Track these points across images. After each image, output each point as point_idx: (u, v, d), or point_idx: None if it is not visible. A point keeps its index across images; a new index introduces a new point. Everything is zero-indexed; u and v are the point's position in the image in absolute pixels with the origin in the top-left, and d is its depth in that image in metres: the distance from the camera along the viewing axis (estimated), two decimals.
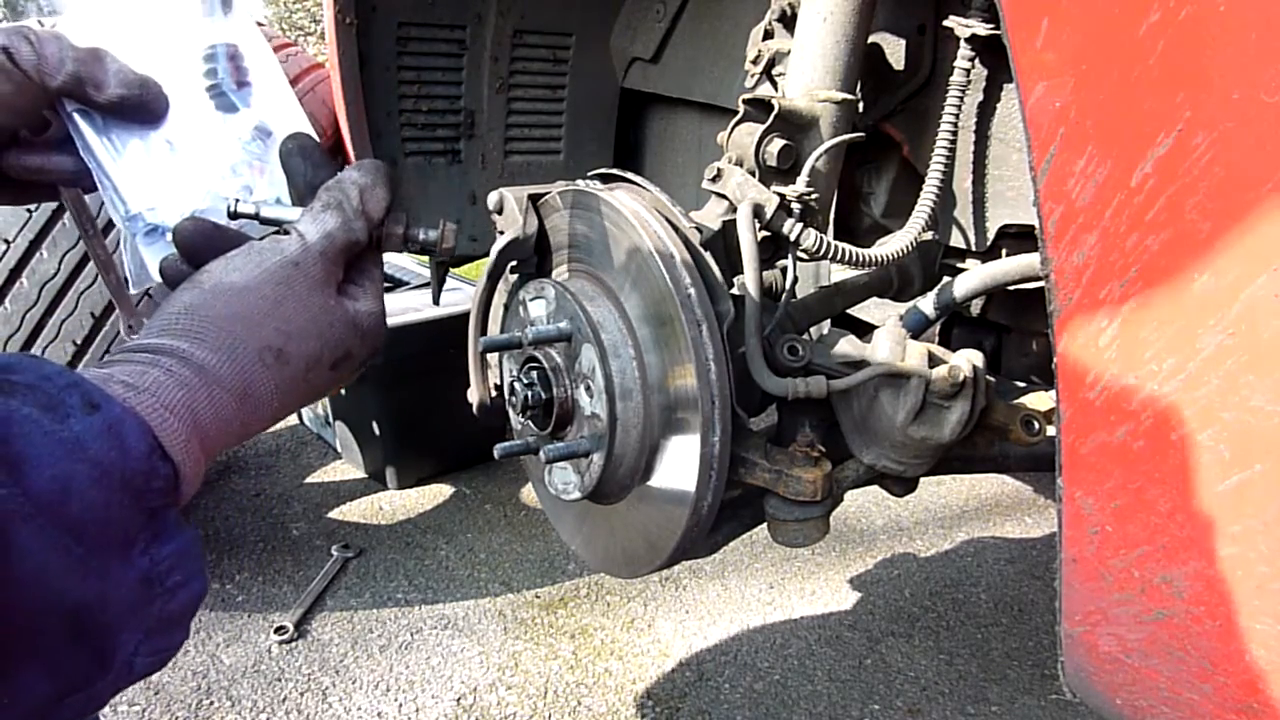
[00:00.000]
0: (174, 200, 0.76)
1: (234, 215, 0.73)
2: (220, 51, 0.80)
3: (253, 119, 0.81)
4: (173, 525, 0.53)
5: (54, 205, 1.61)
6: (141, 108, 0.74)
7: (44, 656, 0.45)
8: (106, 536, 0.48)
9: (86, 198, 0.84)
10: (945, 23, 1.04)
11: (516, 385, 0.97)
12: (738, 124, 1.02)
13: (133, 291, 0.80)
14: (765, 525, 1.04)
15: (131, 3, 0.79)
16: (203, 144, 0.78)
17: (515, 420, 1.06)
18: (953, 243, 1.21)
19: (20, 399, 0.47)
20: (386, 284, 2.91)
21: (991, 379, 0.96)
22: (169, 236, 0.75)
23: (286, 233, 0.67)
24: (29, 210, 1.62)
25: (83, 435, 0.47)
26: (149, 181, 0.76)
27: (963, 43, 1.03)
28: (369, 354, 0.70)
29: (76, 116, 0.73)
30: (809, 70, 1.04)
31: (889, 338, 0.94)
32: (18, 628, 0.43)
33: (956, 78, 1.05)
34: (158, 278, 0.75)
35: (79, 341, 1.76)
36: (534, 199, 1.01)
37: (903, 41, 1.17)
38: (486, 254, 1.06)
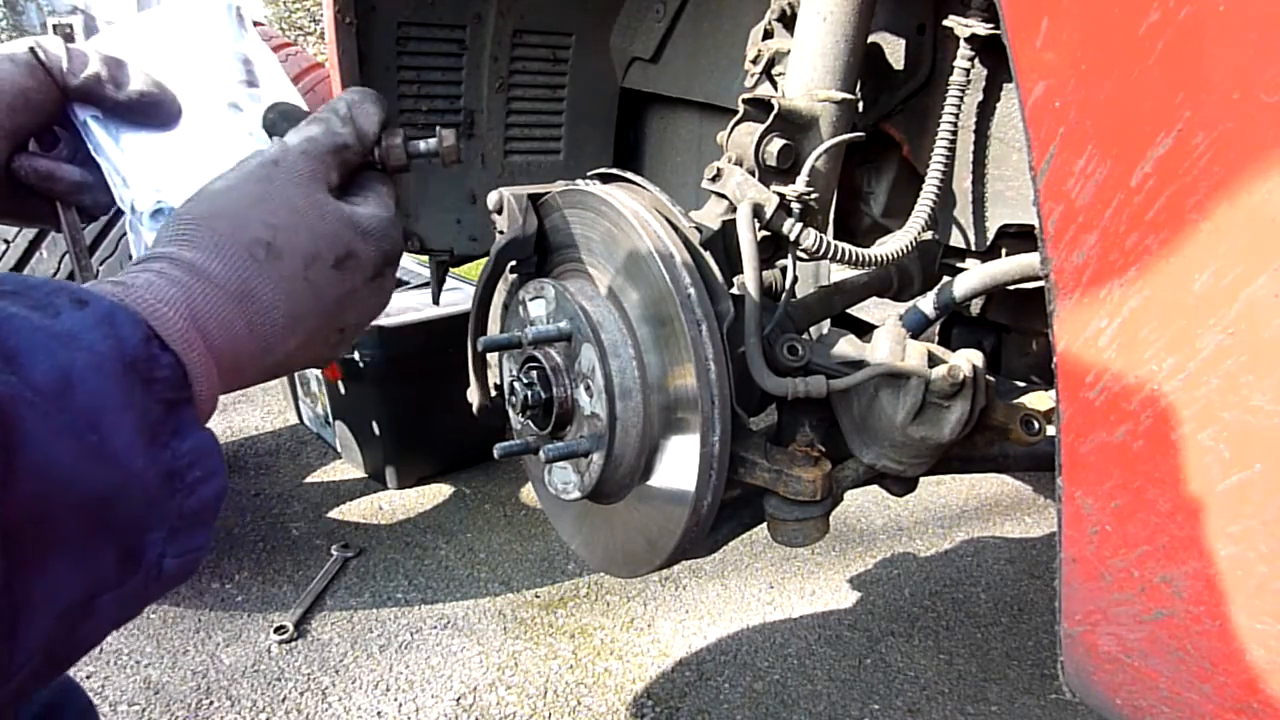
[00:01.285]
0: (181, 185, 0.77)
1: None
2: (236, 60, 0.83)
3: (259, 113, 0.82)
4: (191, 421, 0.52)
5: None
6: (157, 108, 0.76)
7: (68, 550, 0.44)
8: (121, 424, 0.47)
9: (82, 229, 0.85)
10: (945, 22, 1.04)
11: (516, 385, 0.97)
12: (737, 124, 1.02)
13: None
14: (765, 525, 1.04)
15: (155, 25, 0.82)
16: (211, 137, 0.80)
17: (515, 420, 1.06)
18: (953, 243, 1.21)
19: (6, 300, 0.46)
20: None
21: (991, 379, 0.96)
22: None
23: None
24: None
25: (74, 328, 0.47)
26: (157, 169, 0.77)
27: (962, 42, 1.03)
28: (379, 256, 0.67)
29: (89, 120, 0.75)
30: (809, 70, 1.04)
31: (889, 337, 0.94)
32: (35, 517, 0.42)
33: (956, 77, 1.05)
34: None
35: None
36: (534, 199, 1.01)
37: (902, 41, 1.17)
38: (486, 254, 1.06)
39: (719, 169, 1.01)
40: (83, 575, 0.46)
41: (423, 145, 0.77)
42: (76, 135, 0.76)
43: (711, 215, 1.01)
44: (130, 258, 0.77)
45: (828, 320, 1.23)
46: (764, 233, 1.00)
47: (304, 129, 0.67)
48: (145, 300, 0.52)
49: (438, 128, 0.79)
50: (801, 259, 1.03)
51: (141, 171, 0.76)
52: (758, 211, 0.97)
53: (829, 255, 1.01)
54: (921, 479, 1.05)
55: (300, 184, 0.63)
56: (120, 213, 0.79)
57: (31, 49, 0.70)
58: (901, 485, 1.06)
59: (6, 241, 1.64)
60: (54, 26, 12.67)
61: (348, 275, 0.64)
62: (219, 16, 0.85)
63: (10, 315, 0.45)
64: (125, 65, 0.74)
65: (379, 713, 1.70)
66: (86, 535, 0.45)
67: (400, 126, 1.79)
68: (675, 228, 0.92)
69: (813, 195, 1.00)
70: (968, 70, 1.04)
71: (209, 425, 0.55)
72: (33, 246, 1.67)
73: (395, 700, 1.73)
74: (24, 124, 0.71)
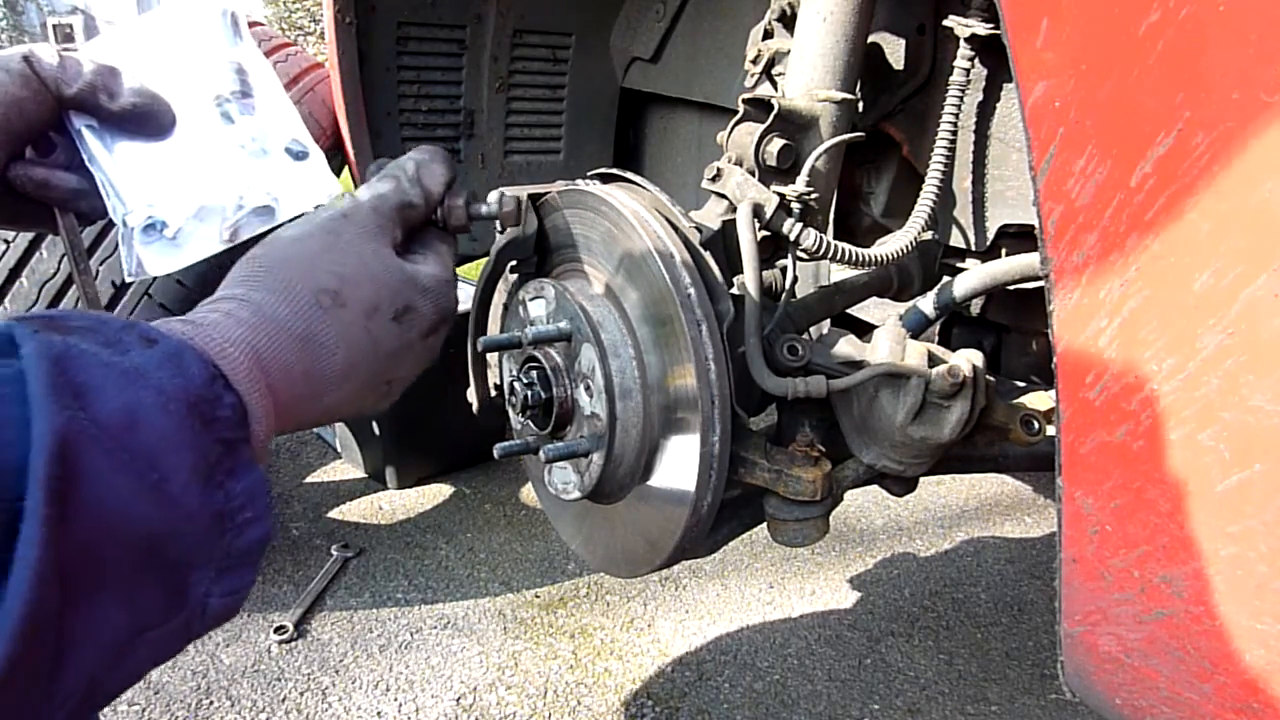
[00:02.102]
0: (173, 197, 0.77)
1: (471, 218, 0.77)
2: (231, 70, 0.84)
3: (253, 126, 0.83)
4: (246, 462, 0.52)
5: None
6: (150, 118, 0.76)
7: (118, 586, 0.44)
8: (181, 464, 0.47)
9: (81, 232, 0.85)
10: (945, 22, 1.04)
11: (516, 385, 0.97)
12: (737, 124, 1.02)
13: (129, 280, 0.82)
14: (765, 525, 1.04)
15: (150, 30, 0.83)
16: (204, 150, 0.81)
17: (515, 420, 1.05)
18: (953, 242, 1.21)
19: (78, 336, 0.47)
20: None
21: (991, 379, 0.96)
22: (167, 231, 0.77)
23: None
24: None
25: (143, 365, 0.47)
26: (149, 181, 0.77)
27: (962, 43, 1.03)
28: (436, 314, 0.68)
29: (84, 130, 0.75)
30: (809, 70, 1.04)
31: (889, 337, 0.94)
32: (91, 554, 0.42)
33: (956, 78, 1.05)
34: (152, 272, 0.76)
35: None
36: (534, 199, 1.01)
37: (903, 41, 1.17)
38: (486, 254, 1.06)
39: (719, 169, 1.01)
40: (129, 613, 0.46)
41: (484, 208, 0.80)
42: (73, 142, 0.76)
43: (711, 215, 1.01)
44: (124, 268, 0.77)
45: (828, 320, 1.23)
46: (764, 233, 1.00)
47: (375, 185, 0.70)
48: (213, 339, 0.54)
49: (501, 192, 0.83)
50: (801, 259, 1.03)
51: (134, 184, 0.77)
52: (758, 211, 0.97)
53: (829, 255, 1.01)
54: (921, 479, 1.05)
55: (368, 238, 0.65)
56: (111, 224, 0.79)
57: (25, 58, 0.70)
58: (901, 485, 1.06)
59: (7, 241, 1.64)
60: (54, 27, 12.66)
61: (405, 329, 0.66)
62: (214, 23, 0.85)
63: (81, 351, 0.46)
64: (119, 74, 0.75)
65: (379, 713, 1.70)
66: (136, 573, 0.45)
67: (401, 123, 1.78)
68: (675, 228, 0.92)
69: (813, 195, 1.00)
70: (968, 70, 1.04)
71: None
72: (33, 246, 1.67)
73: (395, 700, 1.73)
74: (19, 132, 0.72)
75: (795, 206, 0.99)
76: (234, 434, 0.52)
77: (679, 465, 0.92)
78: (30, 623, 0.38)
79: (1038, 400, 0.98)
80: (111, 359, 0.47)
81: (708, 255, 0.92)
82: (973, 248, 1.18)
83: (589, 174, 1.01)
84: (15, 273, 1.71)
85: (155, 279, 1.75)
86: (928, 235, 1.17)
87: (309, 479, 2.65)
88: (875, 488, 1.07)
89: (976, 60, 1.04)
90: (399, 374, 0.67)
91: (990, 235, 1.15)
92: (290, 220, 0.67)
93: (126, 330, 0.50)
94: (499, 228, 1.01)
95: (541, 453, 0.94)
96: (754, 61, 1.20)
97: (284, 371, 0.57)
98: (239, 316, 0.56)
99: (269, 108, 0.84)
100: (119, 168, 0.76)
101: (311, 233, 0.64)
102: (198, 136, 0.80)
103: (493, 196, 1.01)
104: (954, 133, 1.06)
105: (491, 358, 1.11)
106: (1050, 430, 0.94)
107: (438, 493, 2.57)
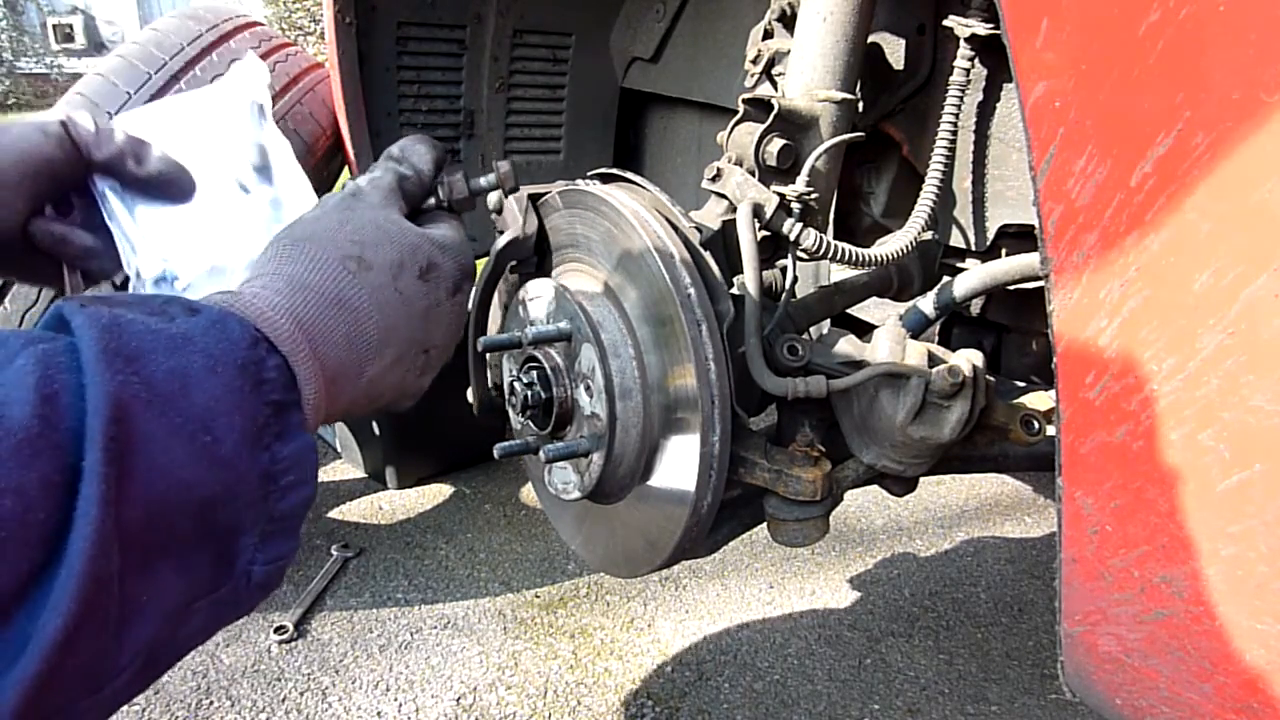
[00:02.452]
0: (186, 255, 0.82)
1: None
2: (253, 147, 0.89)
3: (269, 195, 0.88)
4: (297, 426, 0.53)
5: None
6: (172, 184, 0.80)
7: (173, 553, 0.45)
8: (232, 426, 0.48)
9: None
10: (945, 22, 1.04)
11: (516, 385, 0.97)
12: (737, 124, 1.02)
13: None
14: (765, 525, 1.04)
15: (180, 110, 0.89)
16: (220, 214, 0.85)
17: (515, 420, 1.06)
18: (953, 243, 1.21)
19: (124, 309, 0.49)
20: None
21: (991, 379, 0.96)
22: (177, 284, 0.81)
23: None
24: None
25: (189, 331, 0.49)
26: (166, 240, 0.81)
27: (962, 42, 1.03)
28: (458, 269, 0.70)
29: (107, 191, 0.79)
30: (809, 70, 1.04)
31: (889, 337, 0.94)
32: (148, 519, 0.43)
33: (956, 78, 1.05)
34: None
35: None
36: (534, 199, 1.01)
37: (903, 41, 1.17)
38: (486, 254, 1.07)
39: (719, 169, 1.01)
40: (184, 579, 0.46)
41: (483, 180, 0.82)
42: (91, 203, 0.79)
43: (711, 215, 1.01)
44: None
45: (828, 320, 1.23)
46: (764, 233, 1.00)
47: (368, 173, 0.73)
48: (253, 306, 0.55)
49: (495, 162, 0.85)
50: (801, 259, 1.03)
51: (151, 241, 0.80)
52: (758, 211, 0.97)
53: (829, 255, 1.01)
54: (921, 479, 1.05)
55: (378, 208, 0.69)
56: (126, 280, 0.83)
57: (63, 122, 0.74)
58: (901, 485, 1.06)
59: None
60: (54, 27, 12.64)
61: (432, 287, 0.67)
62: (241, 110, 0.90)
63: (130, 320, 0.47)
64: (148, 145, 0.79)
65: (379, 713, 1.70)
66: (191, 538, 0.46)
67: (401, 123, 1.78)
68: (675, 228, 0.92)
69: (813, 195, 1.00)
70: (968, 70, 1.04)
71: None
72: None
73: (395, 700, 1.73)
74: (45, 190, 0.75)
75: (795, 206, 0.99)
76: (283, 396, 0.53)
77: (679, 465, 0.92)
78: (93, 581, 0.39)
79: (1038, 400, 0.98)
80: (159, 326, 0.48)
81: (708, 255, 0.92)
82: (973, 248, 1.18)
83: (589, 174, 1.01)
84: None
85: None
86: (928, 235, 1.17)
87: None
88: (875, 488, 1.07)
89: (976, 60, 1.04)
90: (434, 339, 0.69)
91: (990, 235, 1.15)
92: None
93: (170, 303, 0.51)
94: (498, 227, 1.01)
95: (541, 453, 0.94)
96: (754, 61, 1.20)
97: (325, 335, 0.58)
98: (274, 287, 0.58)
99: (286, 180, 0.89)
100: (137, 226, 0.80)
101: (326, 212, 0.67)
102: (215, 202, 0.84)
103: (492, 197, 1.01)
104: (954, 133, 1.06)
105: (491, 358, 1.11)
106: (1050, 430, 0.94)
107: (438, 493, 2.57)
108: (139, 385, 0.44)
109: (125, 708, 1.69)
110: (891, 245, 1.06)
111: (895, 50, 1.18)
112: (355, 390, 0.62)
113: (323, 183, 2.01)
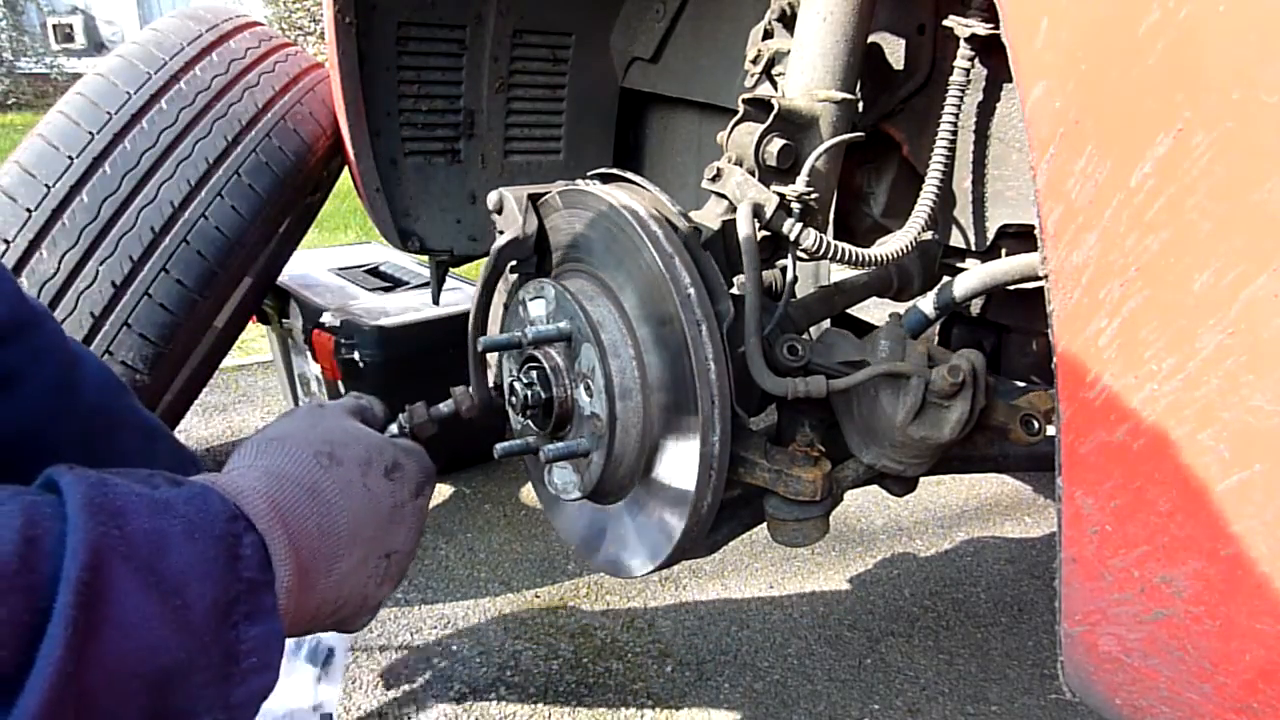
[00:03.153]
0: None
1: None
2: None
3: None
4: (269, 609, 0.54)
5: (53, 204, 1.61)
6: None
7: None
8: (205, 594, 0.49)
9: None
10: (945, 22, 1.04)
11: (516, 385, 0.97)
12: (737, 124, 1.02)
13: None
14: (765, 525, 1.04)
15: None
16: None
17: (515, 420, 1.05)
18: (953, 243, 1.21)
19: (111, 473, 0.51)
20: (386, 284, 2.87)
21: (991, 379, 0.96)
22: None
23: None
24: (28, 210, 1.61)
25: (171, 499, 0.51)
26: None
27: (962, 43, 1.02)
28: (421, 472, 0.74)
29: None
30: (809, 70, 1.04)
31: (889, 337, 0.93)
32: (113, 680, 0.43)
33: (956, 78, 1.04)
34: None
35: (79, 340, 1.76)
36: (533, 199, 1.01)
37: (903, 41, 1.17)
38: (486, 254, 1.07)
39: (719, 169, 1.01)
40: None
41: (443, 407, 0.90)
42: None
43: (711, 215, 1.01)
44: None
45: (828, 320, 1.23)
46: (764, 233, 1.00)
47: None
48: (233, 485, 0.57)
49: (452, 390, 0.95)
50: (801, 259, 1.03)
51: None
52: (758, 211, 0.97)
53: (829, 255, 1.01)
54: (921, 479, 1.05)
55: (345, 415, 0.74)
56: None
57: None
58: (901, 485, 1.06)
59: (6, 241, 1.64)
60: (54, 27, 12.63)
61: (397, 486, 0.71)
62: None
63: (115, 482, 0.49)
64: None
65: (379, 713, 1.70)
66: (144, 712, 0.46)
67: (401, 123, 1.77)
68: (675, 228, 0.92)
69: (813, 195, 1.00)
70: (968, 70, 1.04)
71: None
72: (32, 246, 1.67)
73: (395, 700, 1.73)
74: None
75: (795, 206, 0.99)
76: (257, 575, 0.53)
77: (679, 465, 0.92)
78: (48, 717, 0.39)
79: (1038, 400, 0.98)
80: (142, 490, 0.50)
81: (708, 255, 0.92)
82: (973, 248, 1.18)
83: (589, 174, 1.01)
84: (15, 272, 1.70)
85: None
86: (928, 235, 1.17)
87: None
88: (875, 488, 1.07)
89: (976, 60, 1.04)
90: (396, 542, 0.71)
91: (990, 235, 1.15)
92: None
93: (154, 474, 0.53)
94: (499, 227, 1.01)
95: (541, 453, 0.94)
96: (754, 61, 1.20)
97: (299, 522, 0.60)
98: (253, 474, 0.60)
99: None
100: None
101: (297, 417, 0.71)
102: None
103: (492, 197, 1.01)
104: (954, 133, 1.06)
105: (491, 358, 1.11)
106: (1050, 430, 0.94)
107: (438, 493, 2.57)
108: (118, 538, 0.45)
109: None
110: (891, 245, 1.06)
111: (895, 50, 1.18)
112: (325, 587, 0.63)
113: (323, 183, 2.01)
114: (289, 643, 0.95)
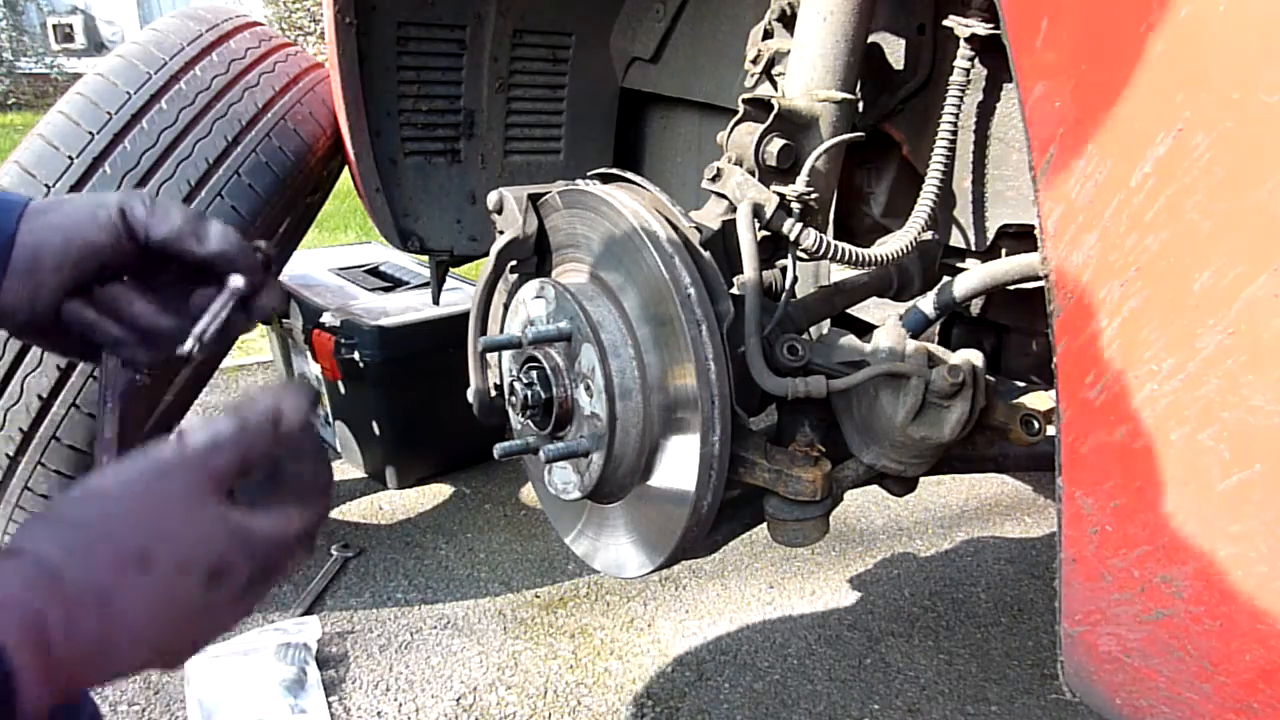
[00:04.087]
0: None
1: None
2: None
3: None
4: None
5: None
6: (236, 264, 0.75)
7: None
8: None
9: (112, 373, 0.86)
10: (945, 23, 1.04)
11: (516, 385, 0.97)
12: (737, 124, 1.02)
13: None
14: (765, 525, 1.04)
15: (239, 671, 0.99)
16: None
17: (515, 420, 1.06)
18: (953, 243, 1.21)
19: None
20: (386, 284, 2.87)
21: (991, 379, 0.96)
22: None
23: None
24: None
25: None
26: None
27: (963, 43, 1.02)
28: (256, 573, 0.61)
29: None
30: (809, 70, 1.04)
31: (889, 338, 0.94)
32: None
33: (956, 78, 1.04)
34: None
35: None
36: (534, 199, 1.01)
37: (903, 41, 1.17)
38: (486, 254, 1.07)
39: (719, 169, 1.01)
40: None
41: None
42: (135, 288, 0.77)
43: (711, 215, 1.01)
44: None
45: (828, 320, 1.23)
46: (764, 233, 1.00)
47: (215, 424, 0.62)
48: None
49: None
50: (801, 259, 1.03)
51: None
52: (758, 211, 0.97)
53: (829, 255, 1.01)
54: (921, 479, 1.05)
55: (190, 491, 0.59)
56: (160, 362, 0.79)
57: (120, 205, 0.71)
58: (901, 485, 1.06)
59: None
60: (54, 27, 12.62)
61: (214, 591, 0.59)
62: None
63: None
64: (208, 223, 0.75)
65: (379, 713, 1.70)
66: None
67: (401, 123, 1.78)
68: (675, 228, 0.92)
69: (813, 195, 1.00)
70: (968, 70, 1.04)
71: None
72: None
73: (395, 700, 1.73)
74: (88, 274, 0.73)
75: (795, 206, 0.99)
76: None
77: (679, 465, 0.92)
78: None
79: (1038, 400, 0.98)
80: None
81: (708, 255, 0.92)
82: (973, 248, 1.18)
83: (589, 174, 1.01)
84: None
85: None
86: (928, 235, 1.17)
87: None
88: (875, 488, 1.07)
89: (976, 60, 1.04)
90: (200, 638, 0.61)
91: (990, 235, 1.15)
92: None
93: None
94: (499, 227, 1.01)
95: (541, 453, 0.94)
96: (754, 61, 1.20)
97: (69, 637, 0.52)
98: (27, 576, 0.52)
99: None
100: None
101: (132, 483, 0.59)
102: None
103: (492, 197, 1.01)
104: (954, 133, 1.06)
105: (491, 358, 1.11)
106: (1050, 430, 0.94)
107: (438, 493, 2.57)
108: None
109: (125, 707, 1.69)
110: (891, 245, 1.06)
111: (895, 50, 1.18)
112: (96, 677, 0.55)
113: (323, 183, 2.01)
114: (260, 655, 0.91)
